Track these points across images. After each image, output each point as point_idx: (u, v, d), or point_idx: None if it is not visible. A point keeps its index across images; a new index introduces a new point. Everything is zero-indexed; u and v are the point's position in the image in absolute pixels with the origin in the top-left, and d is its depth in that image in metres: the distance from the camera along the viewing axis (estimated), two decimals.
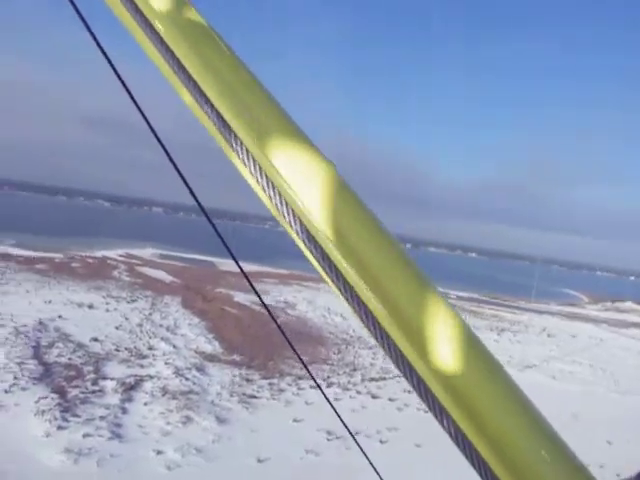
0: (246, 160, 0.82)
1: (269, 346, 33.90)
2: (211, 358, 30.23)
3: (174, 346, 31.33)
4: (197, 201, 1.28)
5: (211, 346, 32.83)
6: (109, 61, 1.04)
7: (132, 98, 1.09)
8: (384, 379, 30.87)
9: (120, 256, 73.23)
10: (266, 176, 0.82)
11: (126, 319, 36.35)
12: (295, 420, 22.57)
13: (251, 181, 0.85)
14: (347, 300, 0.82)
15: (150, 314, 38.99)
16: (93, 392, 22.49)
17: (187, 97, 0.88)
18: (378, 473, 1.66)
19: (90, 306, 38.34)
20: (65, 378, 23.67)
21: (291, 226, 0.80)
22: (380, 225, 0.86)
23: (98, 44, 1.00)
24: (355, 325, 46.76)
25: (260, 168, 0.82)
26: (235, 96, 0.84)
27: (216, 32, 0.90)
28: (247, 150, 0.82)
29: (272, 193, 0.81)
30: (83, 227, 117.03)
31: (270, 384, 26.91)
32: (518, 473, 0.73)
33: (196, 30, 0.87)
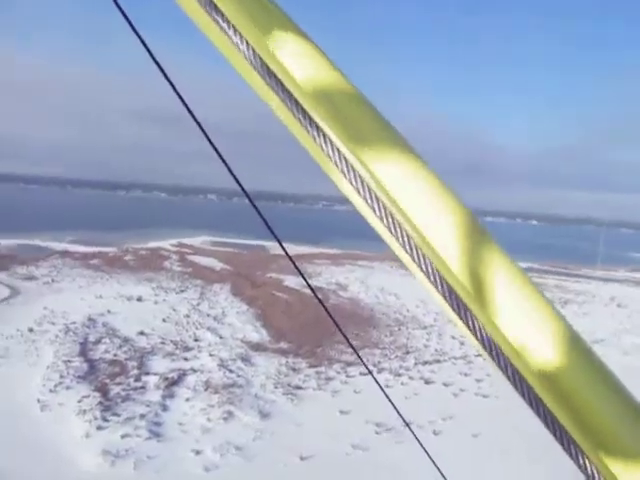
0: (346, 171, 0.83)
1: (318, 332, 32.87)
2: (257, 347, 29.51)
3: (220, 336, 30.83)
4: (239, 183, 1.28)
5: (258, 334, 32.15)
6: (150, 54, 1.07)
7: (171, 84, 1.10)
8: (438, 362, 29.26)
9: (172, 246, 74.06)
10: (368, 187, 0.82)
11: (174, 310, 36.23)
12: (342, 412, 21.42)
13: (351, 192, 0.85)
14: (430, 280, 0.81)
15: (198, 304, 38.78)
16: (135, 389, 22.14)
17: (276, 102, 0.86)
18: (440, 470, 1.66)
19: (139, 299, 38.51)
20: (109, 375, 23.46)
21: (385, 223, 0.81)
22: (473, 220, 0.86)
23: (145, 46, 1.06)
24: (410, 304, 45.07)
25: (361, 178, 0.83)
26: (334, 105, 0.84)
27: (310, 40, 0.88)
28: (345, 159, 0.82)
29: (376, 205, 0.82)
30: (138, 219, 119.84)
31: (317, 373, 25.88)
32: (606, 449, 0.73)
33: (289, 37, 0.86)
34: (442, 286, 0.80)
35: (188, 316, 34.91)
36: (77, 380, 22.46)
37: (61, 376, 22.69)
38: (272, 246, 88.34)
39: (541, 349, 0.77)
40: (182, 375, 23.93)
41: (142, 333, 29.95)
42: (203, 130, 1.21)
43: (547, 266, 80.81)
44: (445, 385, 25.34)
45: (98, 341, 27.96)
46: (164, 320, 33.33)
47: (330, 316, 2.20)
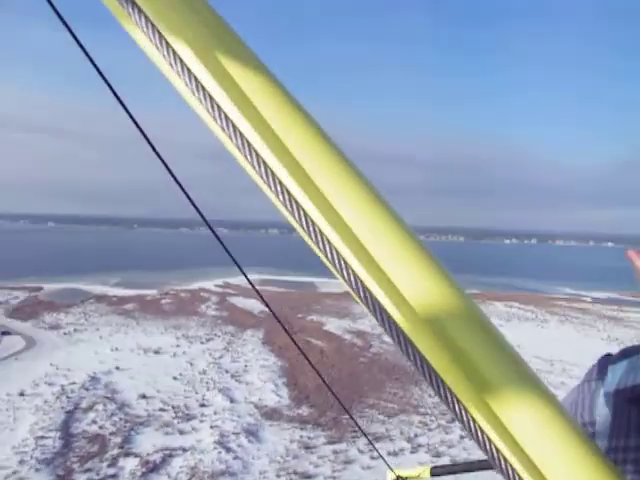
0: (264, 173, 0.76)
1: (350, 391, 28.08)
2: (271, 414, 25.06)
3: (232, 400, 26.63)
4: (199, 211, 1.23)
5: (277, 396, 27.72)
6: (100, 72, 0.97)
7: (127, 111, 1.05)
8: None
9: (216, 286, 71.41)
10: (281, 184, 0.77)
11: (190, 365, 32.51)
12: None
13: (269, 192, 0.78)
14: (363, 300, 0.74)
15: (220, 356, 34.92)
16: (103, 479, 18.22)
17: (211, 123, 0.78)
18: None
19: (157, 351, 35.13)
20: (80, 458, 19.69)
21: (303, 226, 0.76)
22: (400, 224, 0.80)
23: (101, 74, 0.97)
24: None
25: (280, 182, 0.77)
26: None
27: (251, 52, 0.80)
28: (258, 154, 0.76)
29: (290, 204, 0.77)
30: (193, 257, 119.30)
31: (335, 452, 21.06)
32: None
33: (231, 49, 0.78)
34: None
35: (204, 372, 31.05)
36: (37, 466, 18.86)
37: (21, 461, 19.17)
38: (322, 283, 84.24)
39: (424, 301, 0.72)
40: (168, 457, 19.85)
41: (144, 396, 26.28)
42: (161, 158, 1.11)
43: (630, 296, 71.65)
44: None
45: (90, 408, 24.50)
46: (175, 378, 29.60)
47: (318, 372, 2.17)
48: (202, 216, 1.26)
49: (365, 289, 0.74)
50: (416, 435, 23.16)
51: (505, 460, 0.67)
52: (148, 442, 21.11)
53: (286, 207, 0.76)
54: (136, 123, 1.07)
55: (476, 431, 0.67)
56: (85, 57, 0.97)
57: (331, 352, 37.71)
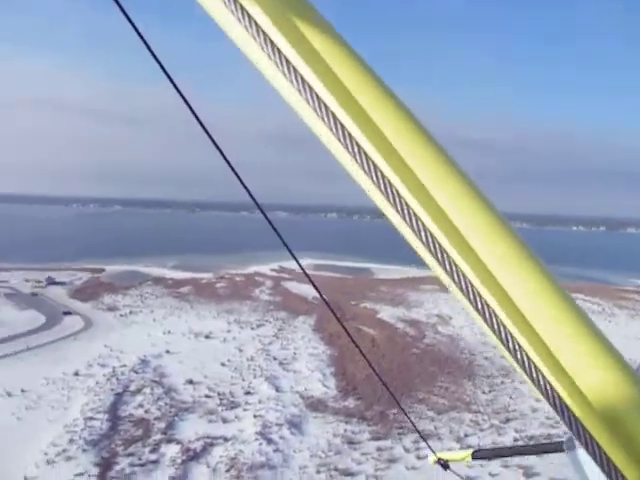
0: (378, 179, 0.77)
1: (400, 382, 27.12)
2: (316, 406, 24.53)
3: (277, 388, 26.29)
4: (250, 193, 1.25)
5: (324, 387, 27.14)
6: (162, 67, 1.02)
7: (181, 94, 1.05)
8: (551, 437, 22.18)
9: (272, 270, 71.60)
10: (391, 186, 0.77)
11: (240, 351, 32.46)
12: None
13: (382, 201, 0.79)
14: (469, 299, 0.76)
15: (270, 343, 34.73)
16: (144, 465, 18.22)
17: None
18: None
19: (207, 336, 35.34)
20: (125, 441, 19.86)
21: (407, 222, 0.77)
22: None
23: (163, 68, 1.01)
24: None
25: (392, 186, 0.77)
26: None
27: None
28: (364, 151, 0.77)
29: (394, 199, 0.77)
30: (251, 241, 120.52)
31: (379, 449, 20.25)
32: None
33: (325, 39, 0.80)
34: (475, 297, 0.74)
35: (252, 359, 30.92)
36: (85, 447, 19.17)
37: (70, 440, 19.57)
38: (379, 269, 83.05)
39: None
40: (209, 446, 19.70)
41: (190, 382, 26.38)
42: (216, 144, 1.12)
43: None
44: None
45: (138, 391, 24.80)
46: (223, 364, 29.60)
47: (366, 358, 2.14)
48: (254, 200, 1.27)
49: (465, 279, 0.74)
50: (466, 435, 22.02)
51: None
52: (191, 429, 21.08)
53: (381, 191, 0.75)
54: (193, 110, 1.07)
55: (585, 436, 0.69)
56: (148, 52, 0.98)
57: (383, 341, 36.85)
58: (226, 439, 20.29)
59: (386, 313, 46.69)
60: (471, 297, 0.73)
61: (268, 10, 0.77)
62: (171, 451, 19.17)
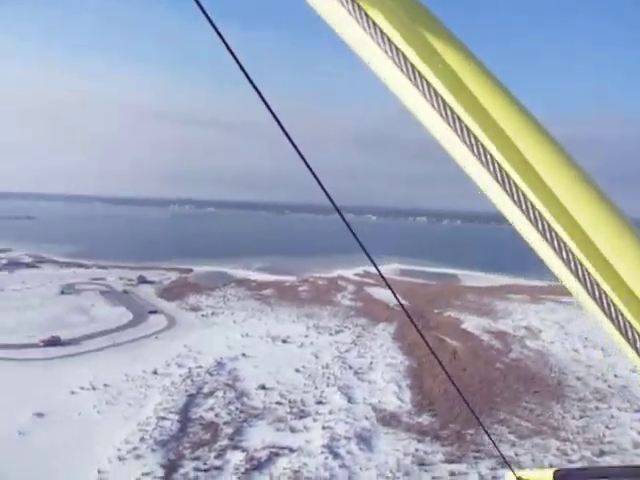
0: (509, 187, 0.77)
1: (481, 400, 25.40)
2: (389, 420, 23.44)
3: (350, 399, 25.48)
4: (330, 199, 1.22)
5: (398, 400, 25.98)
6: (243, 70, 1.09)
7: (264, 100, 1.07)
8: None
9: (356, 275, 70.89)
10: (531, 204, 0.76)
11: (316, 357, 31.99)
12: None
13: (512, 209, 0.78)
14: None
15: (347, 350, 33.99)
16: (207, 470, 18.10)
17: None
18: None
19: (285, 340, 35.20)
20: (192, 444, 19.89)
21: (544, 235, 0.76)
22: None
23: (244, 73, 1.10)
24: (622, 366, 34.21)
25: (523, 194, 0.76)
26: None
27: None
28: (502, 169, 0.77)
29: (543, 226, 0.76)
30: (338, 244, 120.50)
31: (452, 474, 18.85)
32: None
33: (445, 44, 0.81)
34: (617, 316, 0.73)
35: (327, 367, 30.33)
36: (154, 447, 19.34)
37: (142, 439, 19.85)
38: (467, 276, 79.83)
39: None
40: (274, 456, 19.25)
41: (263, 387, 26.20)
42: (296, 147, 1.13)
43: None
44: None
45: (210, 394, 24.95)
46: (297, 370, 29.24)
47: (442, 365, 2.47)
48: (334, 204, 1.23)
49: (595, 285, 0.71)
50: (551, 465, 20.04)
51: None
52: (258, 437, 20.79)
53: (509, 194, 0.74)
54: (274, 116, 1.07)
55: None
56: (233, 59, 1.06)
57: (465, 354, 35.00)
58: (292, 450, 19.77)
59: (471, 323, 44.56)
60: (621, 326, 0.69)
61: (391, 18, 0.77)
62: (236, 458, 18.95)
